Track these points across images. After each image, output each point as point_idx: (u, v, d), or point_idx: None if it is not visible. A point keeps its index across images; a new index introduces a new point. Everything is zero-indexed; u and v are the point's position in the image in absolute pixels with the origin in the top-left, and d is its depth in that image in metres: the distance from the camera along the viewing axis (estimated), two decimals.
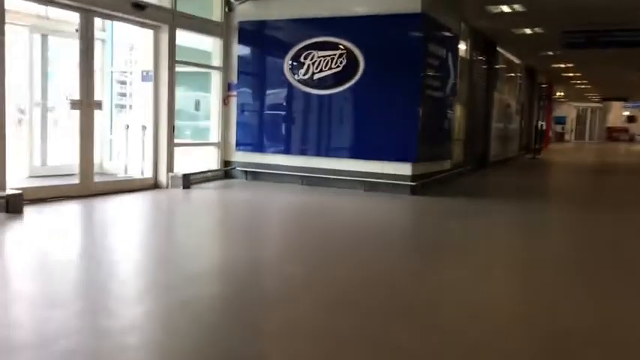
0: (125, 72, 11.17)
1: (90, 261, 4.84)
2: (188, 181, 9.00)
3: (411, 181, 8.89)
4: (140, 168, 10.07)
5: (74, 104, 7.74)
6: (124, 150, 10.60)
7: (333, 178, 9.33)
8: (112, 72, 11.19)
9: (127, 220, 6.98)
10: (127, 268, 4.67)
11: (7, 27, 9.79)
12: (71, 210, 7.13)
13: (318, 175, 9.48)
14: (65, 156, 10.31)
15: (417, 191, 8.91)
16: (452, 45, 10.69)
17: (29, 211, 6.55)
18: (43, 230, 6.08)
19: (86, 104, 7.73)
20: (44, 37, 9.71)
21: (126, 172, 10.39)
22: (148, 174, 9.15)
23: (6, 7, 9.19)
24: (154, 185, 8.98)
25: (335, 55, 9.27)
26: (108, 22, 10.86)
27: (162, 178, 8.98)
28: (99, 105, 8.02)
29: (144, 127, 10.07)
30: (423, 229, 6.88)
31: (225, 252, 5.41)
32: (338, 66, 9.24)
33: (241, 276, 4.44)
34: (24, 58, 9.72)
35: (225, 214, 7.71)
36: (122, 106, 11.30)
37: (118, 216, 7.21)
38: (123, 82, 11.43)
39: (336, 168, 9.36)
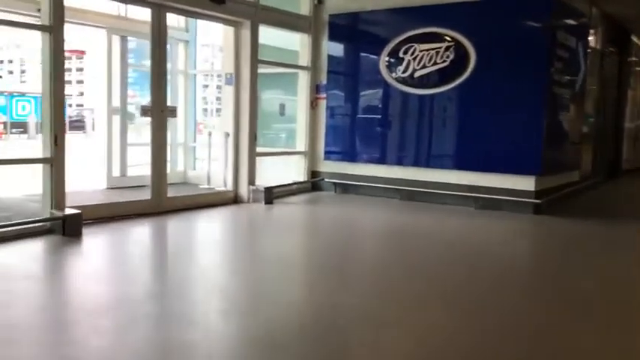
0: (209, 75, 10.42)
1: (144, 302, 3.86)
2: (271, 195, 7.99)
3: (535, 198, 7.32)
4: (223, 179, 9.23)
5: (145, 111, 6.94)
6: (207, 159, 9.84)
7: (438, 193, 7.96)
8: (195, 75, 10.47)
9: (199, 247, 6.04)
10: (206, 317, 3.62)
11: (84, 29, 9.23)
12: (136, 231, 6.30)
13: (419, 188, 8.14)
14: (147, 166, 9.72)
15: (542, 210, 7.34)
16: (582, 34, 8.94)
17: (89, 232, 5.76)
18: (94, 258, 5.26)
19: (157, 111, 6.91)
20: (123, 38, 9.10)
21: (208, 182, 9.60)
22: (229, 186, 8.25)
23: (81, 6, 8.69)
24: (234, 199, 8.05)
25: (440, 48, 7.89)
26: (192, 21, 10.21)
27: (243, 191, 8.03)
28: (172, 112, 7.17)
29: (227, 135, 9.23)
30: (566, 267, 5.28)
31: (321, 295, 4.22)
32: (444, 61, 7.86)
33: (350, 331, 3.28)
34: (102, 61, 9.18)
35: (314, 239, 6.57)
36: (207, 112, 10.57)
37: (188, 241, 6.28)
38: (207, 86, 10.70)
39: (441, 181, 7.98)
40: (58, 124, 5.75)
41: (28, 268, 4.72)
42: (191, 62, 10.32)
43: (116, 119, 9.21)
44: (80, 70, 61.93)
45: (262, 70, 8.35)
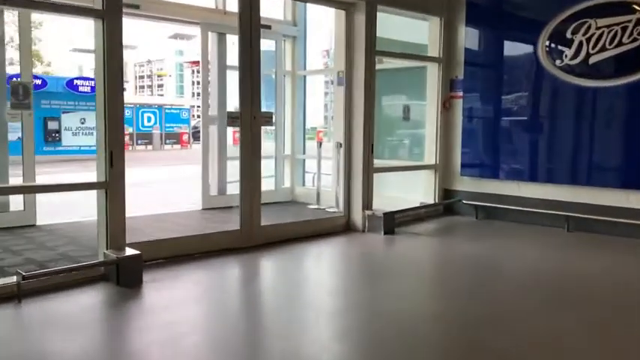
0: (320, 73, 8.95)
1: None
2: (392, 222, 6.23)
3: None
4: (335, 198, 7.65)
5: (232, 118, 5.49)
6: (317, 174, 8.32)
7: (626, 223, 5.74)
8: (304, 76, 9.00)
9: (297, 301, 4.42)
10: None
11: (175, 26, 7.99)
12: (215, 278, 4.85)
13: (596, 215, 5.97)
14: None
15: None
16: None
17: (153, 279, 4.38)
18: (147, 331, 3.83)
19: (248, 118, 5.44)
20: (221, 36, 7.84)
21: (318, 201, 8.06)
22: (342, 206, 6.63)
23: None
24: (346, 227, 6.39)
25: (629, 22, 5.69)
26: (300, 13, 8.77)
27: (357, 216, 6.35)
28: (267, 119, 5.66)
29: (339, 145, 7.64)
30: None
31: None
32: (635, 39, 5.64)
33: None
34: (199, 62, 7.98)
35: (449, 290, 4.67)
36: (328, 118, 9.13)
37: (284, 293, 4.67)
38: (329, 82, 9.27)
39: (631, 206, 5.75)
40: (114, 138, 4.45)
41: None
42: (300, 61, 8.87)
43: (213, 130, 7.98)
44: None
45: (381, 66, 6.65)
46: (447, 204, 7.24)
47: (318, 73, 9.67)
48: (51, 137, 20.99)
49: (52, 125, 20.95)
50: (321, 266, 5.28)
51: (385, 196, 7.12)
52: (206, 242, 5.27)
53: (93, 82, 22.30)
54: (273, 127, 8.74)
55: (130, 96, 35.62)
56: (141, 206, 8.67)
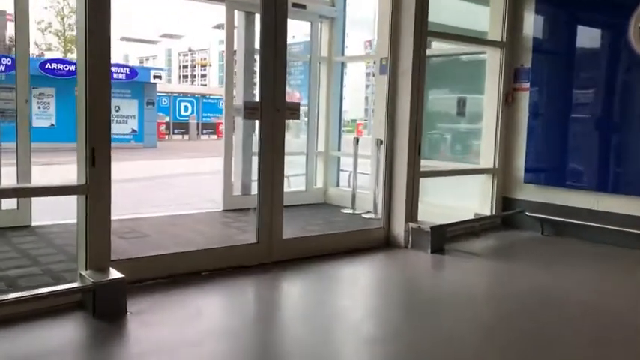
0: (361, 60, 7.91)
1: None
2: (441, 238, 5.19)
3: None
4: (372, 203, 6.68)
5: (250, 111, 4.52)
6: (353, 175, 7.35)
7: None
8: (342, 63, 8.00)
9: (318, 350, 3.45)
10: None
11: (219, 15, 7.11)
12: (219, 309, 3.93)
13: None
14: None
15: None
16: None
17: (141, 308, 3.48)
18: None
19: (270, 110, 4.48)
20: (249, 15, 6.92)
21: (353, 205, 7.10)
22: (380, 213, 5.64)
23: None
24: (385, 241, 5.37)
25: None
26: None
27: (399, 229, 5.32)
28: (293, 111, 4.67)
29: (379, 142, 6.65)
30: None
31: None
32: None
33: None
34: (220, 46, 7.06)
35: (521, 349, 3.64)
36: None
37: (309, 338, 3.71)
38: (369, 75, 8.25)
39: None
40: (98, 131, 3.56)
41: None
42: (337, 46, 7.87)
43: (238, 122, 7.08)
44: None
45: (429, 53, 5.59)
46: (507, 216, 6.13)
47: (358, 60, 8.66)
48: None
49: None
50: (354, 295, 4.28)
51: (429, 202, 6.08)
52: (215, 258, 4.35)
53: (128, 70, 21.94)
54: (305, 119, 7.80)
55: (168, 84, 35.24)
56: (158, 204, 7.89)
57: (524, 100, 6.01)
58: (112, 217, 3.64)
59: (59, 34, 28.72)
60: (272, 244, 4.60)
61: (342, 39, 7.90)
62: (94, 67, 3.52)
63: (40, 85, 19.52)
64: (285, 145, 4.59)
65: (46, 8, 27.50)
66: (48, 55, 26.73)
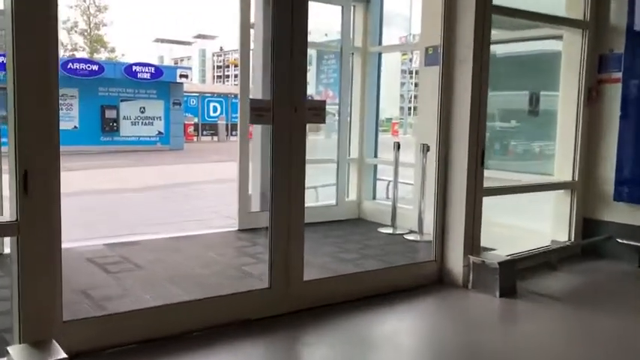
0: (401, 50, 6.77)
1: None
2: (512, 276, 3.96)
3: None
4: (417, 221, 5.56)
5: (257, 112, 3.37)
6: (393, 186, 6.22)
7: None
8: (379, 54, 6.82)
9: None
10: None
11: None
12: None
13: None
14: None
15: None
16: None
17: None
18: None
19: (285, 109, 3.34)
20: (267, 1, 5.79)
21: (393, 223, 5.97)
22: (427, 235, 4.51)
23: None
24: (438, 278, 4.17)
25: None
26: None
27: (455, 263, 4.11)
28: (317, 113, 3.50)
29: (425, 148, 5.56)
30: None
31: None
32: None
33: None
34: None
35: None
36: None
37: None
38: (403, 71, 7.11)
39: None
40: (29, 147, 2.48)
41: None
42: (373, 35, 6.71)
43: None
44: None
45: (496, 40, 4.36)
46: (590, 243, 4.84)
47: (397, 49, 7.45)
48: (108, 127, 19.89)
49: (109, 114, 19.83)
50: None
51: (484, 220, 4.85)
52: (212, 312, 3.23)
53: (153, 69, 21.15)
54: (335, 118, 6.68)
55: (196, 84, 34.53)
56: (166, 221, 6.86)
57: (614, 94, 4.71)
58: (106, 240, 2.70)
59: (85, 33, 28.26)
60: (289, 288, 3.46)
61: (378, 26, 6.74)
62: (23, 55, 2.45)
63: (62, 85, 18.85)
64: (305, 159, 3.44)
65: (71, 7, 27.05)
66: (77, 56, 26.25)
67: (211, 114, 26.02)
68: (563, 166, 4.92)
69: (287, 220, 3.42)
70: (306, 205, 3.54)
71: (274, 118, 3.33)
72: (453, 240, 4.13)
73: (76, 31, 27.59)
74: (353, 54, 6.62)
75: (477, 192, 4.09)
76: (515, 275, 4.00)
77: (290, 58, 3.35)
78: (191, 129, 24.88)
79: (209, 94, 26.97)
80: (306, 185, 3.58)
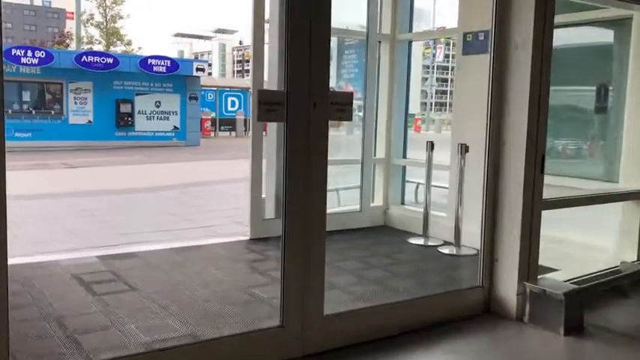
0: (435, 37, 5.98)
1: None
2: (579, 308, 3.23)
3: None
4: (453, 232, 4.85)
5: (268, 107, 2.68)
6: (426, 190, 5.51)
7: None
8: (409, 42, 6.10)
9: None
10: None
11: None
12: None
13: None
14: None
15: None
16: None
17: None
18: None
19: (302, 107, 2.65)
20: None
21: (425, 233, 5.28)
22: (463, 255, 3.78)
23: None
24: (485, 308, 3.45)
25: None
26: None
27: (508, 290, 3.38)
28: (342, 108, 2.80)
29: (464, 148, 4.85)
30: None
31: None
32: None
33: None
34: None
35: None
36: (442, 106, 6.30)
37: None
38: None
39: None
40: None
41: None
42: (403, 20, 5.98)
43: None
44: None
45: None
46: None
47: (430, 36, 6.72)
48: (123, 121, 19.39)
49: (124, 108, 19.32)
50: None
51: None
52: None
53: (169, 62, 20.58)
54: (358, 114, 5.99)
55: (214, 78, 34.00)
56: (170, 227, 6.21)
57: None
58: (100, 251, 2.09)
59: (101, 26, 27.80)
60: (306, 326, 2.77)
61: (408, 10, 6.01)
62: None
63: (76, 79, 18.41)
64: (327, 168, 2.74)
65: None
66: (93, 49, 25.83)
67: (229, 109, 25.43)
68: (632, 171, 4.16)
69: (304, 240, 2.74)
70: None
71: (288, 114, 2.64)
72: (505, 262, 3.41)
73: (92, 24, 27.22)
74: (380, 42, 5.90)
75: (534, 204, 3.36)
76: (583, 307, 3.26)
77: (309, 40, 2.66)
78: (208, 124, 24.32)
79: (227, 89, 26.36)
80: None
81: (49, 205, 7.47)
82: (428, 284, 4.03)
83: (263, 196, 5.34)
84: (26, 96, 18.16)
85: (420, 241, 5.28)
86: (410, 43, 6.04)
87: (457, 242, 4.92)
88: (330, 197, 6.64)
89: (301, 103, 2.66)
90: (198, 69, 20.49)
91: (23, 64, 17.56)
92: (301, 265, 2.74)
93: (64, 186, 9.26)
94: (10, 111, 17.76)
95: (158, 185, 9.30)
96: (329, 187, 2.83)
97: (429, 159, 5.37)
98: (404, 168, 6.15)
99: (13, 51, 17.64)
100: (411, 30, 6.03)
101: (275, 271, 4.05)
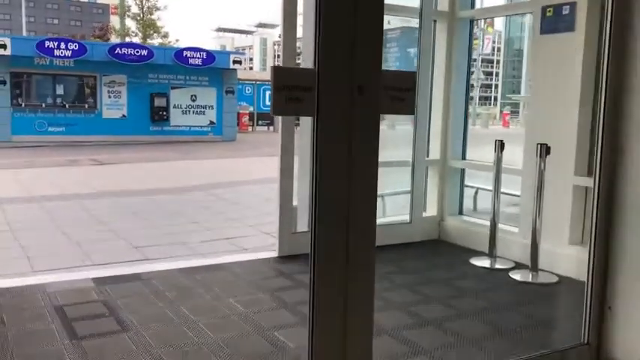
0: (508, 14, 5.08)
1: None
2: None
3: None
4: (529, 252, 3.90)
5: (290, 94, 1.79)
6: (494, 199, 4.54)
7: None
8: (470, 21, 5.12)
9: None
10: None
11: None
12: None
13: None
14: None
15: None
16: None
17: None
18: None
19: (340, 92, 1.75)
20: None
21: (492, 251, 4.33)
22: (544, 283, 2.87)
23: None
24: None
25: None
26: None
27: (630, 350, 2.40)
28: (401, 92, 1.89)
29: (544, 149, 3.88)
30: None
31: None
32: None
33: None
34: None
35: None
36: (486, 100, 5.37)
37: None
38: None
39: None
40: None
41: None
42: None
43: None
44: None
45: None
46: None
47: (498, 13, 5.74)
48: (158, 116, 18.85)
49: (159, 102, 18.78)
50: None
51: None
52: None
53: (205, 54, 19.95)
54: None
55: (251, 72, 33.34)
56: (186, 239, 5.36)
57: None
58: (100, 271, 1.34)
59: (137, 17, 27.43)
60: None
61: None
62: None
63: (110, 72, 17.94)
64: (377, 184, 1.85)
65: None
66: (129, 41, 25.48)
67: (267, 103, 24.69)
68: None
69: (342, 266, 1.85)
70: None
71: (320, 103, 1.74)
72: (624, 311, 2.44)
73: (128, 16, 26.81)
74: (435, 21, 4.94)
75: None
76: None
77: (354, 4, 1.75)
78: (245, 118, 23.65)
79: (266, 82, 25.63)
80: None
81: (62, 208, 6.80)
82: (506, 331, 3.07)
83: (294, 203, 4.49)
84: (60, 89, 17.80)
85: (486, 263, 4.32)
86: (471, 22, 5.06)
87: (534, 266, 3.96)
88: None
89: (339, 87, 1.75)
90: (235, 61, 19.77)
91: (56, 56, 17.18)
92: (337, 299, 1.86)
93: (85, 185, 8.62)
94: (43, 105, 17.45)
95: (185, 185, 8.55)
96: None
97: (498, 161, 4.39)
98: (462, 171, 5.18)
99: (47, 43, 17.28)
100: (473, 6, 5.05)
101: (306, 306, 3.18)
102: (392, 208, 5.29)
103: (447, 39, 4.98)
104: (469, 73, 5.15)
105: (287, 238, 4.35)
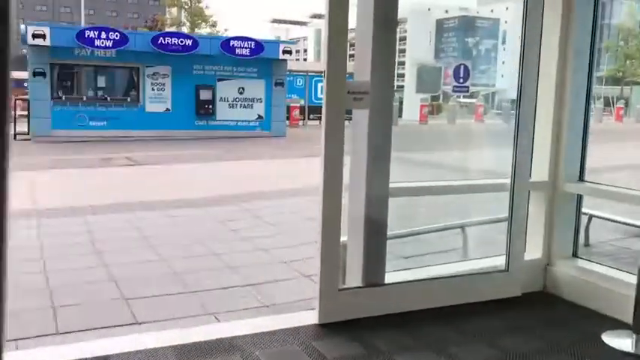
0: None
1: None
2: None
3: None
4: None
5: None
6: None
7: None
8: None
9: None
10: None
11: None
12: None
13: None
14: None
15: None
16: None
17: None
18: None
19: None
20: None
21: (638, 327, 2.77)
22: None
23: None
24: None
25: None
26: None
27: None
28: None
29: None
30: None
31: None
32: None
33: None
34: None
35: None
36: None
37: None
38: None
39: None
40: None
41: None
42: None
43: (361, 117, 3.11)
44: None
45: None
46: None
47: None
48: (203, 109, 17.85)
49: (204, 95, 17.76)
50: None
51: None
52: None
53: (253, 44, 18.80)
54: (496, 112, 3.58)
55: (303, 62, 32.04)
56: (195, 289, 3.98)
57: None
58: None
59: (185, 6, 26.56)
60: None
61: None
62: None
63: (153, 63, 17.02)
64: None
65: None
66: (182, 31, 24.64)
67: (319, 95, 23.41)
68: None
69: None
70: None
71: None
72: None
73: (176, 4, 25.98)
74: None
75: None
76: None
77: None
78: (296, 112, 22.43)
79: (318, 74, 24.34)
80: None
81: (57, 226, 5.67)
82: None
83: (343, 239, 3.19)
84: (101, 81, 17.04)
85: (626, 343, 2.88)
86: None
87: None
88: (450, 238, 4.30)
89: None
90: (285, 51, 18.51)
91: (97, 46, 16.40)
92: None
93: (102, 194, 7.52)
94: (84, 98, 16.73)
95: (216, 195, 7.31)
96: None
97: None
98: (579, 197, 3.73)
99: (87, 32, 16.51)
100: None
101: None
102: (476, 249, 3.91)
103: (561, 16, 3.53)
104: (593, 63, 3.68)
105: (330, 295, 3.04)
